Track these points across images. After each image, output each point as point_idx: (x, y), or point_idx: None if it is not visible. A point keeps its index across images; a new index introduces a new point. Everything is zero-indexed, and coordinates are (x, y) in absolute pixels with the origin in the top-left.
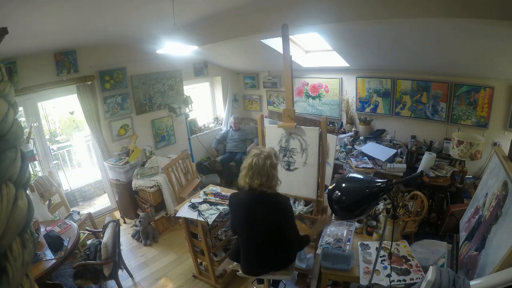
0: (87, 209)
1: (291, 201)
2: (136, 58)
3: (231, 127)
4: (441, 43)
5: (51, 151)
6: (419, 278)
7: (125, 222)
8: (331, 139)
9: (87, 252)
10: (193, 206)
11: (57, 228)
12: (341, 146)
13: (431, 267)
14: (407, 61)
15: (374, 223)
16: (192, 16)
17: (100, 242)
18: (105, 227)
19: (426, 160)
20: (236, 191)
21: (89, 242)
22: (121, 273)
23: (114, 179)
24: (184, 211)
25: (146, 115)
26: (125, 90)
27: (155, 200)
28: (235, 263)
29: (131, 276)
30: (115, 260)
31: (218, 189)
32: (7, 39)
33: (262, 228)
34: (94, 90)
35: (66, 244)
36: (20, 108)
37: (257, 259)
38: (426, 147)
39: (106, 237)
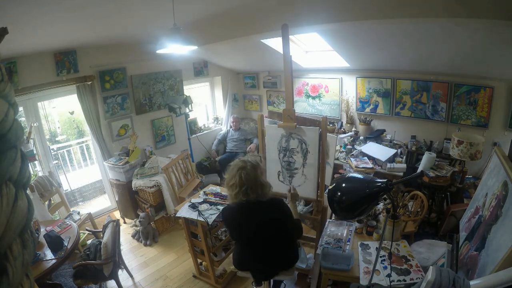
0: (87, 209)
1: None
2: (136, 58)
3: (231, 127)
4: (441, 43)
5: (51, 151)
6: (419, 278)
7: (125, 222)
8: (331, 139)
9: (87, 252)
10: (193, 206)
11: (57, 228)
12: (341, 146)
13: (431, 267)
14: (407, 61)
15: (374, 223)
16: (192, 16)
17: (100, 242)
18: (105, 227)
19: (426, 160)
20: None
21: (89, 242)
22: (121, 273)
23: (114, 179)
24: (184, 211)
25: (146, 115)
26: (125, 90)
27: (155, 200)
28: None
29: (131, 276)
30: (115, 260)
31: (218, 189)
32: (7, 39)
33: (268, 234)
34: (94, 90)
35: (66, 244)
36: (20, 108)
37: (270, 264)
38: (426, 147)
39: (106, 237)
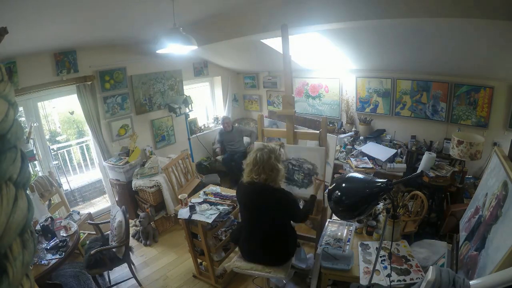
0: (87, 209)
1: None
2: (136, 58)
3: (222, 130)
4: (441, 43)
5: (51, 151)
6: (419, 278)
7: None
8: (331, 139)
9: (99, 243)
10: (193, 206)
11: None
12: (341, 146)
13: (431, 267)
14: (407, 61)
15: (374, 223)
16: (192, 16)
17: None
18: (113, 218)
19: (426, 160)
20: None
21: (89, 242)
22: (122, 273)
23: (114, 179)
24: (184, 211)
25: (146, 115)
26: (125, 90)
27: (155, 200)
28: (233, 260)
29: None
30: (127, 243)
31: (218, 189)
32: (7, 39)
33: (268, 217)
34: (94, 90)
35: (65, 238)
36: (20, 108)
37: (262, 246)
38: (426, 147)
39: (120, 217)
